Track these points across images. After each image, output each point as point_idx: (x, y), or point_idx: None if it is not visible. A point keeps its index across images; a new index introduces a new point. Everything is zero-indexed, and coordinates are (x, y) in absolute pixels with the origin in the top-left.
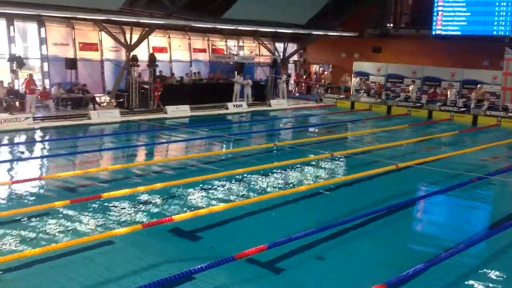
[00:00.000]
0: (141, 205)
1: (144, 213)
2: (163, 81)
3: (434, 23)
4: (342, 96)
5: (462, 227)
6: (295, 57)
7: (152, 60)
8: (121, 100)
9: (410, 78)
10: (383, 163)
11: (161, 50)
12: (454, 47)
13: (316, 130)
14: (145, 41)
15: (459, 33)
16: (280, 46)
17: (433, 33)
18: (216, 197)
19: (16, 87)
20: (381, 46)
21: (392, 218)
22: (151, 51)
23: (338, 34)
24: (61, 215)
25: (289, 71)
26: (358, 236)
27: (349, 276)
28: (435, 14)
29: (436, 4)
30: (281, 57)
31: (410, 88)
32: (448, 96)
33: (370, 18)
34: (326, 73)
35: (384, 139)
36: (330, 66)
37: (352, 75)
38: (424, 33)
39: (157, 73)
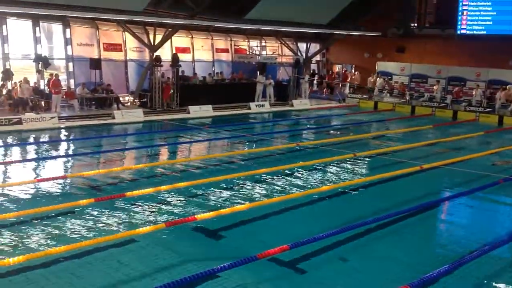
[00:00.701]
0: (164, 204)
1: (167, 212)
2: (186, 81)
3: (459, 23)
4: (365, 96)
5: (487, 229)
6: (318, 57)
7: (175, 60)
8: (145, 100)
9: (435, 78)
10: (407, 164)
11: (184, 50)
12: (480, 47)
13: (339, 131)
14: (168, 42)
15: (484, 32)
16: (302, 46)
17: (458, 32)
18: (239, 196)
19: (42, 87)
20: (404, 46)
21: (416, 219)
22: (174, 51)
23: (361, 33)
24: (86, 213)
25: (314, 70)
26: (382, 237)
27: (372, 277)
28: (460, 13)
29: (461, 4)
30: (304, 57)
31: (435, 88)
32: (474, 96)
33: (393, 17)
34: (356, 74)
35: (408, 139)
36: (353, 66)
37: (376, 75)
38: (449, 33)
39: (180, 73)
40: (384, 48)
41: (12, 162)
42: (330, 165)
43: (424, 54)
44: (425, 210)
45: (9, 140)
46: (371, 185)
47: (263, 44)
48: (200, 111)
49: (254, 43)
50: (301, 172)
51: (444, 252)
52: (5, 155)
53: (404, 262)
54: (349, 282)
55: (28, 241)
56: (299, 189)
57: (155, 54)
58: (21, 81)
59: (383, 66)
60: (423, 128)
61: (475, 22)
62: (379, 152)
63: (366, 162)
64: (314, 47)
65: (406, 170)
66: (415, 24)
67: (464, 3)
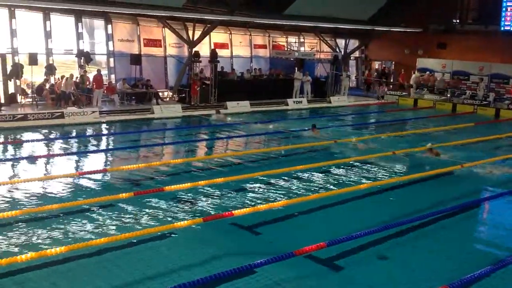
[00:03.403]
0: (201, 199)
1: (205, 207)
2: (224, 77)
3: (503, 19)
4: (404, 93)
5: None
6: (357, 54)
7: (213, 56)
8: (183, 95)
9: (477, 76)
10: (448, 163)
11: (222, 46)
12: None
13: (377, 128)
14: (207, 37)
15: None
16: (341, 42)
17: (502, 29)
18: (276, 193)
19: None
20: (446, 42)
21: (457, 219)
22: (212, 47)
23: (401, 30)
24: (126, 206)
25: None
26: (421, 236)
27: (411, 276)
28: (504, 9)
29: None
30: (342, 54)
31: (481, 85)
32: None
33: (435, 13)
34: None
35: (448, 137)
36: (393, 63)
37: (416, 71)
38: (492, 29)
39: (218, 69)
40: (424, 44)
41: (54, 155)
42: (368, 162)
43: (466, 50)
44: (466, 210)
45: (52, 133)
46: (411, 184)
47: (301, 40)
48: (238, 107)
49: (292, 39)
50: (339, 169)
51: (486, 253)
52: (47, 148)
53: (444, 262)
54: (386, 281)
55: (70, 233)
56: (336, 187)
57: (194, 49)
58: (64, 76)
59: (423, 62)
60: (464, 126)
61: None
62: (418, 150)
63: (405, 160)
64: (353, 43)
65: (447, 169)
66: (457, 20)
67: None
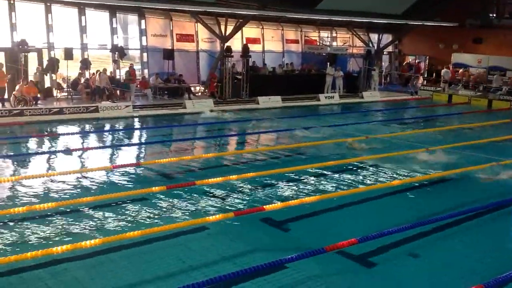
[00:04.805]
0: (233, 194)
1: (236, 202)
2: (256, 72)
3: None
4: (439, 88)
5: None
6: (390, 48)
7: (245, 51)
8: (215, 90)
9: None
10: (483, 159)
11: (254, 41)
12: None
13: (411, 123)
14: (239, 32)
15: None
16: (374, 36)
17: None
18: (307, 188)
19: (118, 77)
20: (482, 37)
21: (492, 217)
22: (244, 42)
23: (436, 24)
24: (158, 200)
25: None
26: (455, 234)
27: (443, 275)
28: None
29: None
30: (375, 48)
31: None
32: None
33: (470, 7)
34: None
35: (483, 134)
36: (427, 57)
37: (450, 66)
38: None
39: (250, 64)
40: (460, 39)
41: (89, 148)
42: (401, 158)
43: (502, 45)
44: (501, 208)
45: (87, 127)
46: (444, 181)
47: (334, 34)
48: (269, 102)
49: (324, 33)
50: (371, 165)
51: None
52: (82, 141)
53: (478, 260)
54: (418, 279)
55: (103, 225)
56: (368, 183)
57: (226, 44)
58: (99, 70)
59: (458, 57)
60: (500, 122)
61: None
62: (452, 147)
63: (439, 156)
64: (386, 37)
65: (481, 166)
66: (494, 15)
67: None
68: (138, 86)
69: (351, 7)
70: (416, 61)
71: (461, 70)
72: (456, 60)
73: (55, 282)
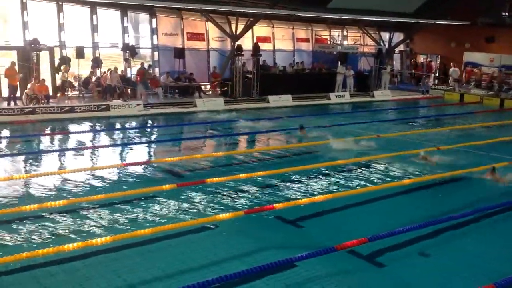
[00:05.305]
0: (243, 192)
1: (246, 200)
2: (266, 71)
3: None
4: (450, 87)
5: None
6: (401, 47)
7: (256, 50)
8: (225, 89)
9: None
10: (495, 159)
11: (265, 40)
12: None
13: (422, 123)
14: (250, 31)
15: None
16: (385, 35)
17: None
18: (317, 187)
19: (128, 75)
20: (494, 36)
21: (504, 216)
22: (255, 41)
23: (447, 22)
24: (168, 198)
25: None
26: (466, 233)
27: (455, 274)
28: None
29: None
30: (386, 47)
31: None
32: None
33: (482, 5)
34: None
35: (496, 133)
36: (438, 56)
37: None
38: None
39: (260, 63)
40: (472, 37)
41: (100, 146)
42: (412, 157)
43: None
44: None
45: (98, 125)
46: (455, 180)
47: (345, 33)
48: (280, 101)
49: (335, 32)
50: (381, 164)
51: None
52: (93, 140)
53: (489, 260)
54: (428, 279)
55: (114, 223)
56: (378, 182)
57: (237, 43)
58: (110, 69)
59: (470, 56)
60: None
61: None
62: (464, 146)
63: (450, 156)
64: (398, 36)
65: (493, 165)
66: (507, 13)
67: None
68: (149, 85)
69: (362, 6)
70: (428, 60)
71: (475, 70)
72: (467, 59)
73: (66, 278)
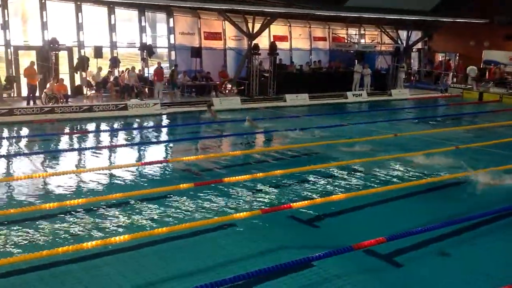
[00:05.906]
0: (260, 191)
1: (263, 199)
2: (283, 70)
3: None
4: (469, 86)
5: None
6: (419, 45)
7: (273, 49)
8: (242, 88)
9: None
10: None
11: (282, 38)
12: None
13: (440, 121)
14: (266, 30)
15: None
16: (403, 34)
17: None
18: (334, 186)
19: (146, 74)
20: None
21: None
22: (272, 40)
23: (466, 20)
24: (186, 197)
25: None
26: (486, 233)
27: (475, 274)
28: None
29: None
30: (404, 46)
31: None
32: None
33: (502, 3)
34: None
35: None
36: (457, 55)
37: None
38: None
39: (277, 62)
40: (491, 36)
41: (118, 145)
42: (430, 157)
43: None
44: None
45: (116, 124)
46: (474, 180)
47: (362, 32)
48: (297, 100)
49: (352, 31)
50: (399, 163)
51: None
52: (111, 139)
53: (507, 260)
54: (448, 279)
55: (132, 222)
56: (396, 181)
57: (253, 42)
58: (128, 68)
59: (489, 55)
60: None
61: None
62: (483, 145)
63: (469, 155)
64: (416, 35)
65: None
66: None
67: None
68: (166, 84)
69: (380, 4)
70: (446, 58)
71: (495, 68)
72: (487, 57)
73: (86, 277)
